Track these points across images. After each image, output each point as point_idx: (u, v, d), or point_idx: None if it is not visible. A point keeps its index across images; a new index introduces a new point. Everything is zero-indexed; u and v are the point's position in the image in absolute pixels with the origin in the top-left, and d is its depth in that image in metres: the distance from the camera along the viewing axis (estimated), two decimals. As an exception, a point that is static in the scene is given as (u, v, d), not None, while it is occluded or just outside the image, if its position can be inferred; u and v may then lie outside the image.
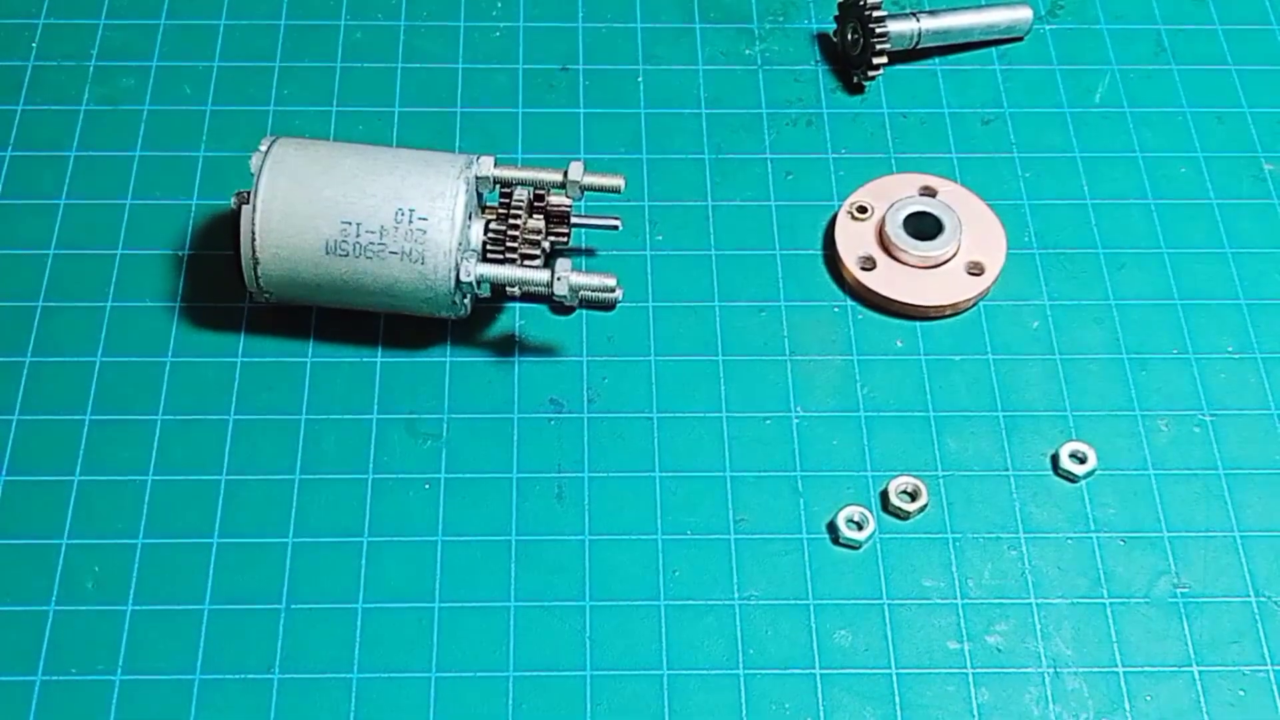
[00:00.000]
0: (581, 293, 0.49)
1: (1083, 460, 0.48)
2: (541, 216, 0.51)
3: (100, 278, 0.52)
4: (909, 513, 0.47)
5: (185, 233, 0.54)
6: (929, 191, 0.55)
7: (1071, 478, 0.48)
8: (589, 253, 0.54)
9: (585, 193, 0.50)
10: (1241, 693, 0.44)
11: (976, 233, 0.54)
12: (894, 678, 0.44)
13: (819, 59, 0.60)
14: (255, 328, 0.51)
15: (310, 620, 0.45)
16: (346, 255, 0.47)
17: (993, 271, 0.52)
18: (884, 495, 0.48)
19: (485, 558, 0.46)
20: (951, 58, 0.60)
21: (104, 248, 0.53)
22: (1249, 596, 0.46)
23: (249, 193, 0.48)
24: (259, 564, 0.46)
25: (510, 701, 0.44)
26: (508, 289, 0.52)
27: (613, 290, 0.49)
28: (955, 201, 0.54)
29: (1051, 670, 0.45)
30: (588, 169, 0.50)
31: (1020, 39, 0.61)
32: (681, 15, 0.61)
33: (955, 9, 0.60)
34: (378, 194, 0.48)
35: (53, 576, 0.45)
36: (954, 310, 0.52)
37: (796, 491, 0.48)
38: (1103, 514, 0.48)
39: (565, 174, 0.50)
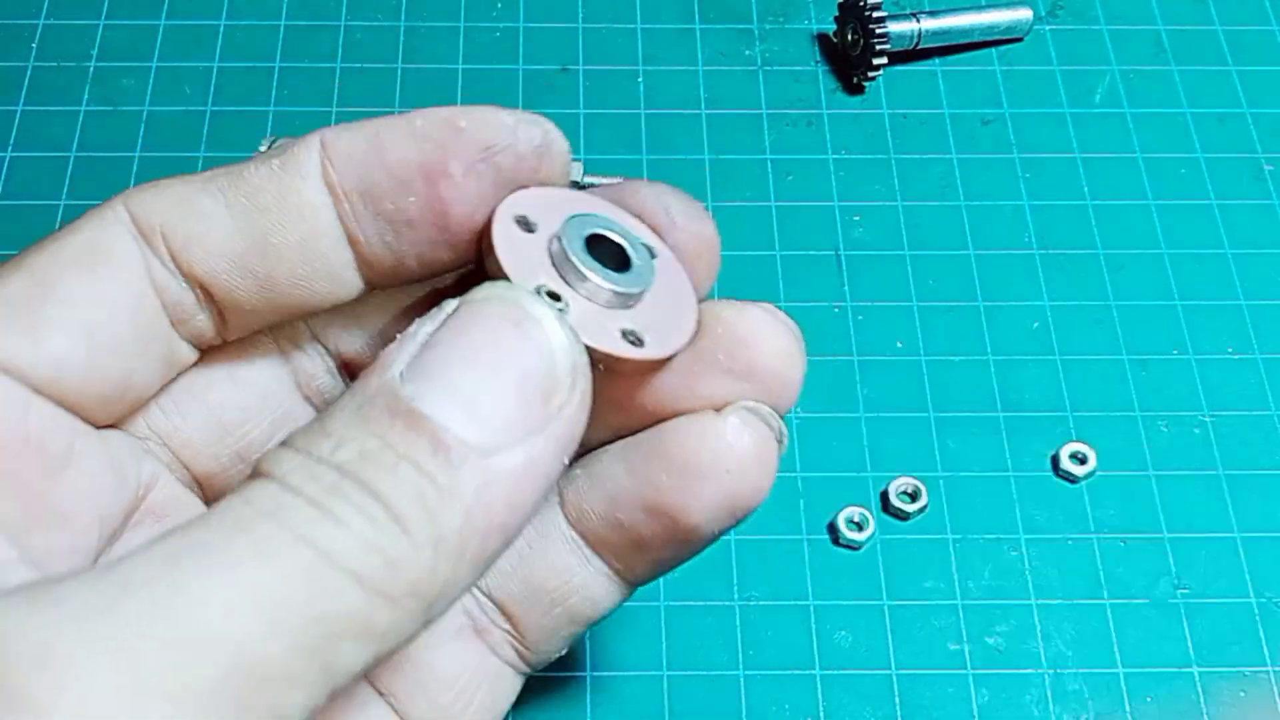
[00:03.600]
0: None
1: (1083, 461, 0.48)
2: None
3: (100, 278, 0.52)
4: (909, 513, 0.47)
5: (185, 233, 0.54)
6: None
7: (1072, 478, 0.48)
8: (589, 253, 0.54)
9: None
10: (1242, 693, 0.44)
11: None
12: (894, 678, 0.44)
13: (819, 59, 0.60)
14: (255, 328, 0.51)
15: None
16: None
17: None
18: (884, 495, 0.48)
19: (485, 558, 0.46)
20: (951, 58, 0.60)
21: (104, 248, 0.53)
22: (1249, 597, 0.46)
23: (249, 193, 0.48)
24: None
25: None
26: None
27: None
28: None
29: (1051, 671, 0.45)
30: (587, 169, 0.50)
31: (1020, 39, 0.61)
32: (681, 15, 0.61)
33: (955, 9, 0.60)
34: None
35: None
36: None
37: (796, 491, 0.48)
38: (1103, 515, 0.48)
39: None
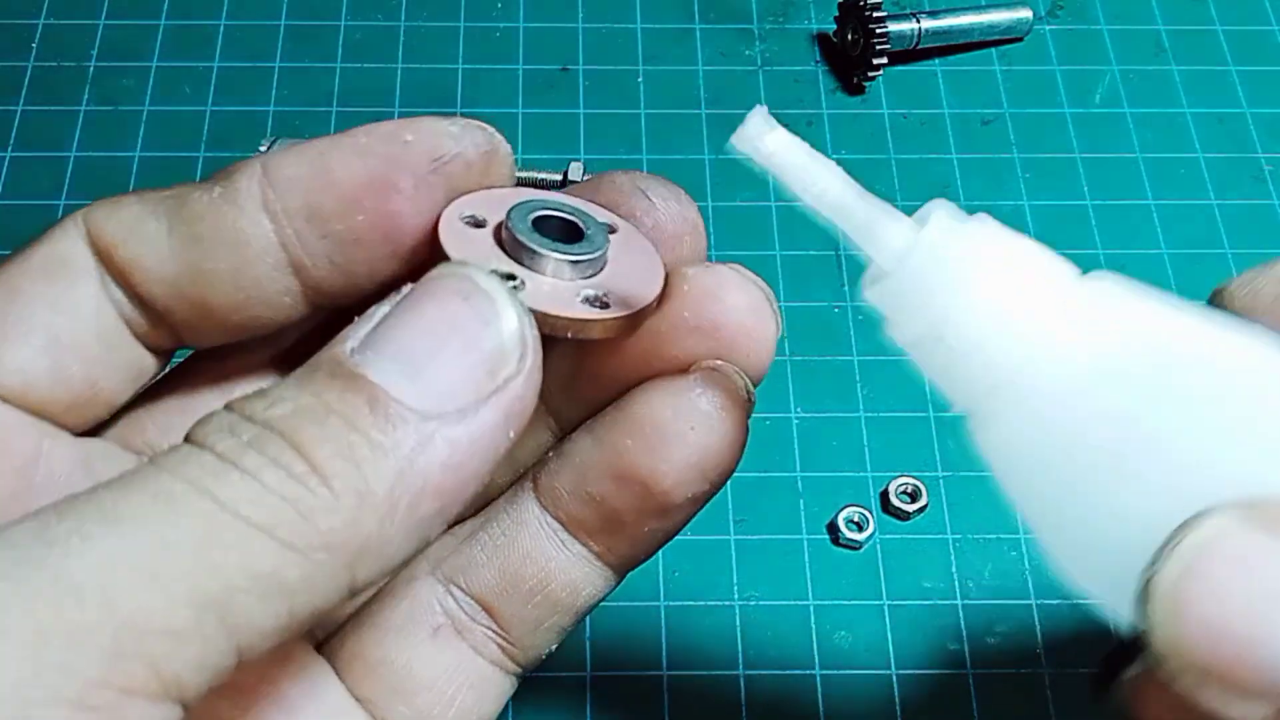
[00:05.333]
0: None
1: (1083, 460, 0.48)
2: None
3: (100, 278, 0.52)
4: (909, 513, 0.47)
5: (185, 233, 0.54)
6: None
7: (1071, 478, 0.48)
8: (589, 253, 0.54)
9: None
10: (1241, 693, 0.44)
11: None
12: (894, 678, 0.44)
13: (819, 59, 0.60)
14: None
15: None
16: (346, 255, 0.47)
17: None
18: (884, 495, 0.48)
19: (485, 558, 0.46)
20: (951, 58, 0.60)
21: (104, 248, 0.53)
22: (1249, 597, 0.46)
23: (249, 193, 0.48)
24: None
25: (510, 703, 0.44)
26: None
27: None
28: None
29: (1051, 671, 0.45)
30: (587, 170, 0.50)
31: (1020, 39, 0.61)
32: (681, 15, 0.61)
33: (955, 9, 0.60)
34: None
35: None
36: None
37: (796, 491, 0.48)
38: (1103, 514, 0.48)
39: (565, 174, 0.50)
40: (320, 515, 0.22)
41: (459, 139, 0.28)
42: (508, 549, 0.29)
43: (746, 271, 0.29)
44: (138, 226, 0.28)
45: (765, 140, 0.28)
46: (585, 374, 0.29)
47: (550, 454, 0.30)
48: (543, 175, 0.51)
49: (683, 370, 0.28)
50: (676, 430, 0.28)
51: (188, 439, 0.23)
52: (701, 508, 0.29)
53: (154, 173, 0.55)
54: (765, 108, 0.27)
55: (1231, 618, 0.22)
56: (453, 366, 0.24)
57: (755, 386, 0.29)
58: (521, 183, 0.50)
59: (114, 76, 0.58)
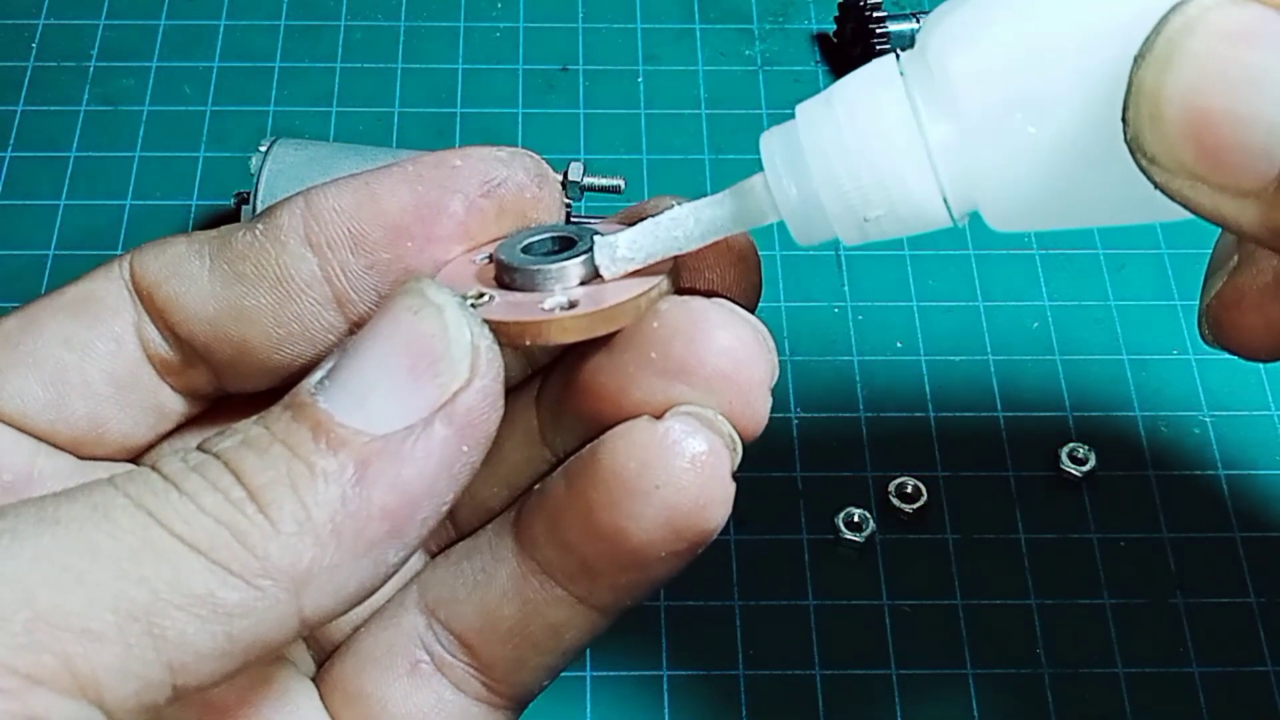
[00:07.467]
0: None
1: (1083, 460, 0.48)
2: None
3: (100, 278, 0.52)
4: (909, 513, 0.47)
5: (185, 233, 0.54)
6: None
7: (1072, 478, 0.48)
8: (589, 253, 0.54)
9: (585, 193, 0.50)
10: (1242, 693, 0.44)
11: None
12: (893, 678, 0.44)
13: (819, 59, 0.60)
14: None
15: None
16: (346, 256, 0.47)
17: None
18: (884, 495, 0.48)
19: (485, 558, 0.46)
20: (951, 58, 0.60)
21: (104, 249, 0.53)
22: (1249, 597, 0.46)
23: (249, 193, 0.48)
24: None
25: (510, 702, 0.44)
26: None
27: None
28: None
29: (1051, 671, 0.45)
30: (588, 170, 0.50)
31: (1020, 39, 0.61)
32: (681, 15, 0.61)
33: (955, 9, 0.60)
34: (377, 194, 0.47)
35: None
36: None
37: (796, 491, 0.48)
38: (1103, 514, 0.48)
39: (565, 175, 0.50)
40: (257, 541, 0.22)
41: (509, 164, 0.27)
42: (486, 586, 0.28)
43: (732, 307, 0.26)
44: (180, 266, 0.28)
45: (620, 250, 0.26)
46: (569, 407, 0.28)
47: (535, 488, 0.28)
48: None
49: (658, 414, 0.25)
50: (641, 487, 0.25)
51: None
52: (688, 560, 0.26)
53: (154, 173, 0.55)
54: (598, 237, 0.26)
55: (1220, 93, 0.20)
56: (399, 382, 0.23)
57: (747, 441, 0.26)
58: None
59: (114, 76, 0.58)
